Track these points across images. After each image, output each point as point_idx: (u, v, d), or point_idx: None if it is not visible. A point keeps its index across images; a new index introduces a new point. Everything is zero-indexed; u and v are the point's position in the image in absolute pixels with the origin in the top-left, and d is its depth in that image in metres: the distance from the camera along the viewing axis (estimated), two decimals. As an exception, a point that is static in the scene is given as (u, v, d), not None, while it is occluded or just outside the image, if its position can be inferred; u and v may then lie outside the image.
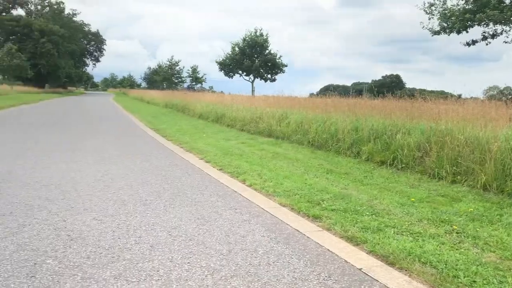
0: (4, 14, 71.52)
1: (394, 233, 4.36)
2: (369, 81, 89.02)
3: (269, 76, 54.22)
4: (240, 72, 54.44)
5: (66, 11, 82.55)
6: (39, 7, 79.74)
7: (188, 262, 3.56)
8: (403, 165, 7.80)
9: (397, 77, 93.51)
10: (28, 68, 58.75)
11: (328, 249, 3.96)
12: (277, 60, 53.04)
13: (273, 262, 3.61)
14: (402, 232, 4.41)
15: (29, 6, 79.09)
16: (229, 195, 5.92)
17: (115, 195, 5.76)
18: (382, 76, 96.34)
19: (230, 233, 4.33)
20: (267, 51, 52.88)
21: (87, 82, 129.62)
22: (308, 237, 4.28)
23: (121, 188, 6.17)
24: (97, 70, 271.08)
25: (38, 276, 3.23)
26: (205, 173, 7.50)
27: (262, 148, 10.44)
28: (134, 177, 6.97)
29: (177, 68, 77.82)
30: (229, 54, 53.53)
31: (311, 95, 23.10)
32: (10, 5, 75.32)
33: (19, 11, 76.54)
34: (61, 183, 6.40)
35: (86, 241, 3.99)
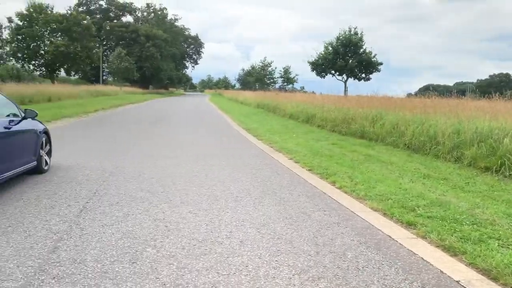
0: (115, 21, 78.50)
1: (498, 245, 3.99)
2: (474, 81, 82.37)
3: (363, 75, 52.65)
4: (333, 71, 53.61)
5: (169, 17, 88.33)
6: (145, 13, 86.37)
7: (276, 260, 3.61)
8: (511, 172, 7.09)
9: (507, 76, 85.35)
10: (135, 71, 63.78)
11: (422, 258, 3.74)
12: (372, 59, 51.30)
13: (362, 267, 3.51)
14: (508, 245, 4.02)
15: (137, 13, 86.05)
16: (318, 196, 5.88)
17: (209, 190, 6.03)
18: (490, 75, 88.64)
19: (318, 234, 4.30)
20: (361, 50, 51.43)
21: (186, 84, 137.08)
22: (400, 244, 4.09)
23: (214, 184, 6.44)
24: (195, 72, 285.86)
25: (139, 262, 3.51)
26: (294, 173, 7.52)
27: (354, 149, 10.19)
28: (227, 174, 7.23)
29: (269, 69, 79.07)
30: (321, 53, 52.98)
31: (409, 95, 22.02)
32: (121, 13, 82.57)
33: (128, 18, 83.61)
34: (161, 177, 6.86)
35: (181, 233, 4.24)
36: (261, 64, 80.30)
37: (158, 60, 74.46)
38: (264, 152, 10.04)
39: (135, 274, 3.27)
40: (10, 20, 45.27)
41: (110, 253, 3.67)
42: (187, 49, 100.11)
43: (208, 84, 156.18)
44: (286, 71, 74.19)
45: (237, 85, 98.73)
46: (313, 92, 42.42)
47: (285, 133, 14.00)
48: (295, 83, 74.07)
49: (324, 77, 54.42)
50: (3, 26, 38.98)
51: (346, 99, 19.98)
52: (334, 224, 4.65)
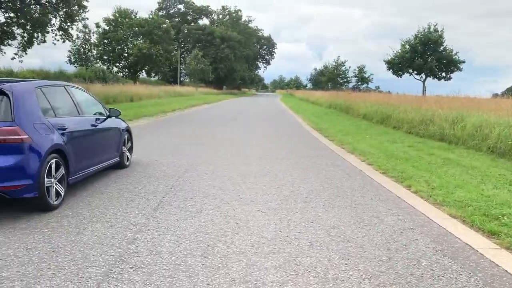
0: (192, 24, 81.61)
1: None
2: None
3: (443, 74, 49.87)
4: (410, 71, 51.37)
5: (243, 18, 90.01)
6: (220, 16, 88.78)
7: (346, 264, 3.54)
8: None
9: None
10: (210, 72, 65.79)
11: (506, 270, 3.47)
12: (453, 57, 48.38)
13: (438, 276, 3.33)
14: None
15: (213, 15, 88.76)
16: (391, 201, 5.67)
17: (278, 190, 6.06)
18: None
19: (391, 239, 4.15)
20: (441, 48, 48.71)
21: (258, 84, 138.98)
22: (481, 254, 3.83)
23: (284, 184, 6.46)
24: (267, 72, 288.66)
25: (210, 257, 3.62)
26: (367, 175, 7.32)
27: (432, 152, 9.68)
28: (296, 174, 7.22)
29: (342, 68, 77.61)
30: (398, 52, 50.98)
31: (495, 95, 20.48)
32: (198, 16, 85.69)
33: (204, 21, 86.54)
34: (233, 175, 7.02)
35: (251, 230, 4.31)
36: (334, 63, 79.08)
37: (232, 61, 76.22)
38: (335, 153, 9.88)
39: (206, 268, 3.38)
40: (97, 25, 48.87)
41: (183, 246, 3.83)
42: (260, 50, 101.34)
43: (279, 84, 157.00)
44: (361, 70, 72.37)
45: (309, 85, 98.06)
46: (388, 92, 40.92)
47: (357, 134, 13.66)
48: (369, 83, 72.03)
49: (400, 76, 52.35)
50: (92, 31, 42.23)
51: (424, 100, 19.04)
52: (408, 230, 4.46)
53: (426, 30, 48.80)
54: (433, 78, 50.58)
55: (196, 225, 4.44)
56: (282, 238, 4.11)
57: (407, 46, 49.96)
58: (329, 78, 76.69)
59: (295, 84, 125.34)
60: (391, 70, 52.35)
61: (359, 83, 72.30)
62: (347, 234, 4.27)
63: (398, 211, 5.15)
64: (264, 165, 7.99)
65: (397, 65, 51.30)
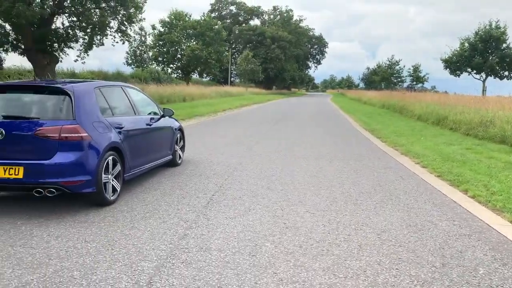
0: (243, 25, 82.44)
1: None
2: None
3: (505, 73, 47.12)
4: (469, 70, 48.98)
5: (294, 18, 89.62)
6: (271, 16, 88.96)
7: (397, 268, 3.44)
8: None
9: None
10: (260, 72, 66.14)
11: None
12: (518, 55, 45.56)
13: (497, 286, 3.16)
14: None
15: (264, 16, 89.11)
16: (446, 205, 5.44)
17: (327, 191, 6.00)
18: None
19: (445, 245, 3.98)
20: (504, 45, 46.03)
21: (308, 84, 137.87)
22: (546, 265, 3.58)
23: (333, 185, 6.38)
24: (318, 72, 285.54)
25: (258, 256, 3.65)
26: (421, 178, 7.07)
27: (491, 156, 9.18)
28: (346, 176, 7.10)
29: (396, 67, 75.36)
30: (456, 50, 48.77)
31: None
32: (249, 17, 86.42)
33: (255, 21, 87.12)
34: (281, 175, 7.02)
35: (299, 231, 4.29)
36: (388, 62, 76.98)
37: (282, 61, 76.16)
38: (387, 155, 9.62)
39: (254, 267, 3.41)
40: (153, 27, 50.56)
41: (232, 244, 3.89)
42: (311, 49, 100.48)
43: (330, 84, 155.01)
44: (416, 69, 69.94)
45: (361, 85, 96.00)
46: (445, 92, 39.32)
47: (412, 135, 13.21)
48: (425, 82, 69.49)
49: (458, 75, 50.10)
50: (148, 33, 43.83)
51: (484, 100, 18.09)
52: (464, 236, 4.26)
53: (487, 27, 46.34)
54: (494, 78, 47.94)
55: (244, 224, 4.48)
56: (330, 240, 4.06)
57: (466, 44, 47.69)
58: (383, 78, 74.76)
59: (347, 83, 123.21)
60: (448, 69, 50.21)
61: (414, 82, 69.93)
62: (399, 238, 4.14)
63: (453, 216, 4.93)
64: (313, 166, 7.93)
65: (455, 64, 49.09)
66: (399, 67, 75.06)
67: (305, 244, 3.95)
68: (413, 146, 10.65)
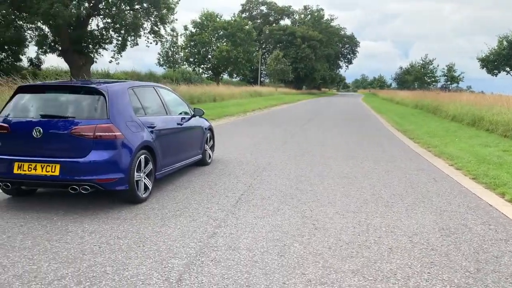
0: (274, 25, 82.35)
1: None
2: None
3: (547, 72, 45.22)
4: (507, 69, 47.23)
5: (325, 18, 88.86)
6: (302, 15, 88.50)
7: (428, 272, 3.36)
8: None
9: None
10: (290, 72, 65.92)
11: None
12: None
13: (535, 294, 3.04)
14: None
15: (294, 15, 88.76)
16: (482, 209, 5.27)
17: (357, 192, 5.92)
18: None
19: (480, 250, 3.86)
20: (546, 42, 44.18)
21: (339, 84, 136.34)
22: None
23: (364, 187, 6.29)
24: (349, 72, 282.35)
25: (287, 256, 3.64)
26: (455, 181, 6.87)
27: (531, 158, 8.82)
28: (377, 177, 6.99)
29: (430, 67, 73.55)
30: (494, 49, 47.14)
31: None
32: (280, 17, 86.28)
33: (285, 21, 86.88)
34: (310, 176, 6.98)
35: (328, 232, 4.26)
36: (421, 61, 75.23)
37: (313, 60, 75.62)
38: (420, 156, 9.40)
39: (282, 267, 3.41)
40: (185, 28, 51.27)
41: (260, 244, 3.90)
42: (342, 49, 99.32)
43: (362, 84, 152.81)
44: (450, 69, 68.11)
45: (394, 85, 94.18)
46: (481, 92, 38.02)
47: (445, 136, 12.86)
48: (460, 82, 67.52)
49: (496, 75, 48.46)
50: (179, 34, 44.50)
51: (523, 100, 17.37)
52: (500, 241, 4.11)
53: (528, 24, 44.54)
54: (535, 76, 46.10)
55: (273, 224, 4.49)
56: (360, 242, 4.01)
57: (505, 42, 46.02)
58: (416, 77, 73.15)
59: (379, 83, 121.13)
60: (485, 68, 48.62)
61: (449, 82, 68.08)
62: (431, 242, 4.05)
63: (489, 220, 4.77)
64: (343, 167, 7.84)
65: (492, 63, 47.49)
66: (433, 66, 73.28)
67: (334, 245, 3.92)
68: (447, 147, 10.37)
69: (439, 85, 68.42)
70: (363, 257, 3.64)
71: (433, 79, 72.72)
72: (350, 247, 3.87)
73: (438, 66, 73.48)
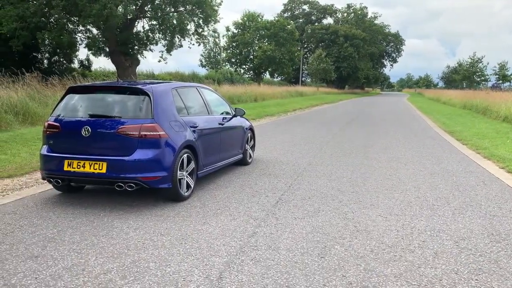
0: (316, 24, 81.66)
1: None
2: None
3: None
4: None
5: (368, 15, 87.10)
6: (345, 14, 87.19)
7: (476, 279, 3.22)
8: None
9: None
10: (332, 71, 65.14)
11: None
12: None
13: None
14: None
15: (337, 14, 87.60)
16: (536, 214, 4.99)
17: (401, 195, 5.76)
18: None
19: (533, 258, 3.65)
20: None
21: (383, 83, 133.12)
22: None
23: (408, 189, 6.12)
24: (393, 71, 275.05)
25: (327, 258, 3.60)
26: (506, 184, 6.55)
27: None
28: (423, 179, 6.77)
29: (479, 65, 70.48)
30: (551, 45, 44.46)
31: None
32: (322, 16, 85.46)
33: (328, 20, 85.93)
34: (352, 177, 6.87)
35: (370, 235, 4.17)
36: (469, 60, 72.23)
37: (356, 59, 74.33)
38: (468, 158, 9.02)
39: (323, 269, 3.38)
40: (227, 29, 51.87)
41: (300, 245, 3.88)
42: (386, 47, 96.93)
43: (407, 83, 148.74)
44: (502, 67, 64.90)
45: (440, 84, 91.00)
46: (536, 91, 35.94)
47: (496, 138, 12.27)
48: (512, 81, 64.22)
49: (553, 73, 45.65)
50: (222, 35, 45.11)
51: None
52: (556, 249, 3.88)
53: None
54: None
55: (313, 225, 4.45)
56: (404, 246, 3.90)
57: None
58: (464, 76, 70.37)
59: (425, 82, 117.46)
60: (541, 66, 45.93)
61: (500, 81, 64.92)
62: (479, 247, 3.88)
63: (544, 227, 4.51)
64: (386, 168, 7.66)
65: (549, 60, 44.78)
66: (482, 64, 70.19)
67: (376, 248, 3.83)
68: (497, 149, 9.90)
69: (489, 84, 65.41)
70: (406, 261, 3.55)
71: (482, 78, 69.67)
72: (393, 251, 3.77)
73: (488, 64, 70.31)
